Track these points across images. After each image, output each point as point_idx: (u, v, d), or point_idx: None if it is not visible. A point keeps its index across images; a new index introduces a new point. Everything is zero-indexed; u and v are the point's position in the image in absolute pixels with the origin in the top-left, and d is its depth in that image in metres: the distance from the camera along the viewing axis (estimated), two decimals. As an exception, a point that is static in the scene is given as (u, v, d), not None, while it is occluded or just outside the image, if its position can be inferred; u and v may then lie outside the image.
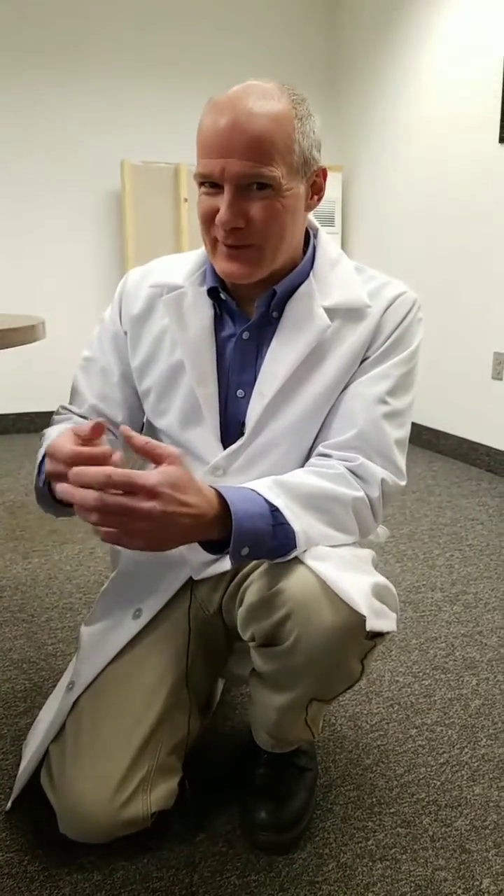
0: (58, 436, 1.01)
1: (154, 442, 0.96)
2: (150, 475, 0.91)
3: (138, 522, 0.90)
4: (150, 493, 0.90)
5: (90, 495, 0.89)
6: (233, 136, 1.05)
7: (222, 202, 1.09)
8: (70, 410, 1.36)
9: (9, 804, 1.34)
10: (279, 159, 1.08)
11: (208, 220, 1.13)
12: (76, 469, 0.91)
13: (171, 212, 4.48)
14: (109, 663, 1.27)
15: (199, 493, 0.97)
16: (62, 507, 1.14)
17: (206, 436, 1.25)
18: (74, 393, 1.37)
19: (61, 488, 0.92)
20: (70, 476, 0.91)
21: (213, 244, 1.16)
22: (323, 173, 1.19)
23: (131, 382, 1.35)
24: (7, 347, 1.49)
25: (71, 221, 4.60)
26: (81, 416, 1.35)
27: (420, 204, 4.17)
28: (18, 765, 1.39)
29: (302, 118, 1.11)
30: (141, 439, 0.95)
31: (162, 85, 4.59)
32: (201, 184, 1.12)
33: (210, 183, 1.10)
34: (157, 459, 0.96)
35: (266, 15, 4.74)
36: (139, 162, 4.39)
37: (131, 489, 0.90)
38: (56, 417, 1.36)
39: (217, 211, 1.10)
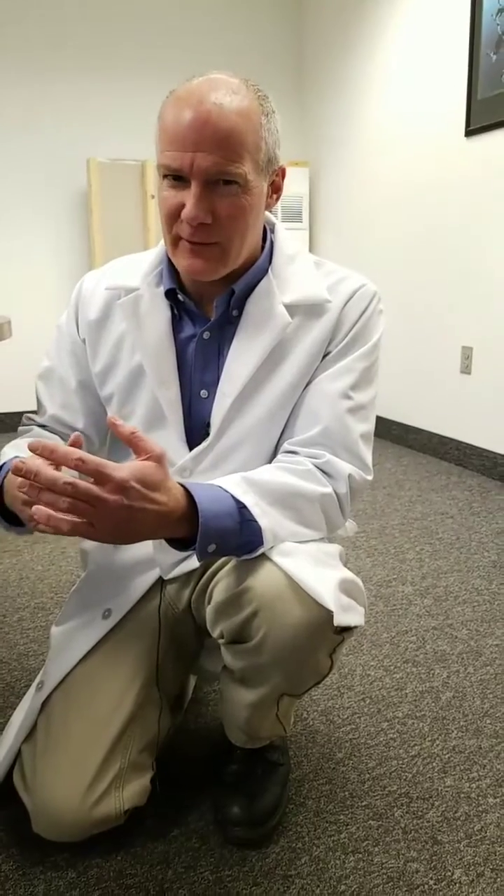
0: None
1: (141, 435, 0.96)
2: (122, 468, 0.92)
3: (104, 514, 0.90)
4: (119, 486, 0.90)
5: (61, 478, 0.89)
6: (204, 129, 1.04)
7: (188, 197, 1.08)
8: (33, 420, 1.37)
9: (-19, 805, 1.33)
10: (247, 156, 1.08)
11: (173, 215, 1.11)
12: (43, 441, 0.90)
13: (139, 209, 4.46)
14: (79, 663, 1.27)
15: (169, 492, 0.97)
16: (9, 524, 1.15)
17: (170, 438, 1.25)
18: (37, 402, 1.38)
19: (25, 465, 0.90)
20: (34, 444, 0.90)
21: (175, 240, 1.14)
22: (282, 172, 1.20)
23: (92, 389, 1.34)
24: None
25: (37, 220, 4.56)
26: (42, 426, 1.36)
27: (387, 199, 4.19)
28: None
29: (268, 115, 1.12)
30: (128, 428, 0.95)
31: (127, 82, 4.57)
32: (164, 176, 1.11)
33: (174, 176, 1.09)
34: (138, 451, 0.96)
35: (232, 12, 4.74)
36: (105, 159, 4.37)
37: (100, 479, 0.90)
38: (20, 429, 1.37)
39: (182, 206, 1.09)
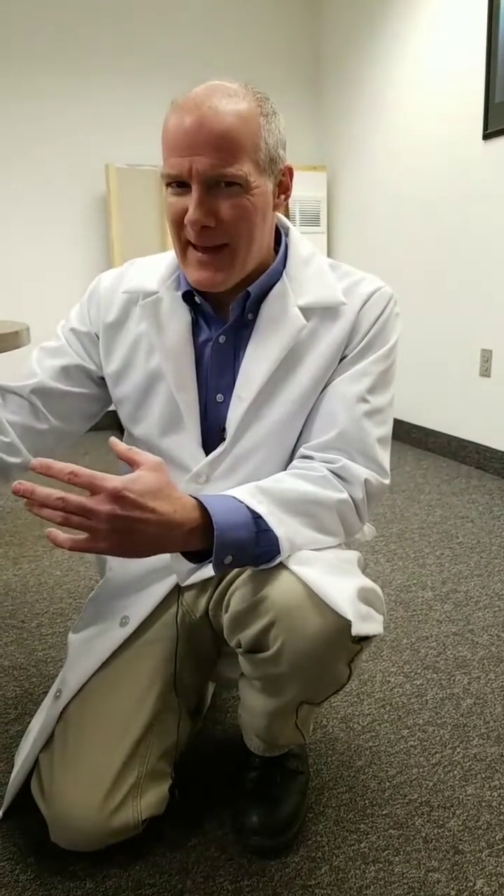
0: None
1: (136, 450, 0.97)
2: (115, 478, 0.92)
3: (99, 524, 0.90)
4: (111, 495, 0.90)
5: (54, 493, 0.89)
6: (200, 133, 1.04)
7: (191, 202, 1.07)
8: (3, 387, 1.31)
9: (0, 813, 1.33)
10: (246, 157, 1.07)
11: (178, 222, 1.11)
12: (42, 459, 0.90)
13: (157, 214, 4.47)
14: (97, 671, 1.27)
15: (175, 502, 0.97)
16: None
17: (187, 443, 1.25)
18: (28, 368, 1.34)
19: (21, 486, 0.90)
20: (35, 464, 0.90)
21: (183, 249, 1.14)
22: (289, 172, 1.18)
23: (90, 377, 1.33)
24: (-9, 354, 1.48)
25: (56, 225, 4.58)
26: (8, 393, 1.31)
27: (405, 202, 4.18)
28: (10, 773, 1.39)
29: (267, 116, 1.11)
30: (124, 446, 0.96)
31: (144, 88, 4.58)
32: (168, 184, 1.11)
33: (178, 183, 1.09)
34: (135, 465, 0.96)
35: (249, 17, 4.74)
36: (124, 165, 4.39)
37: (93, 489, 0.90)
38: None
39: (185, 211, 1.09)
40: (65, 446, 1.37)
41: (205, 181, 1.06)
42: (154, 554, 0.98)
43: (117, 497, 0.90)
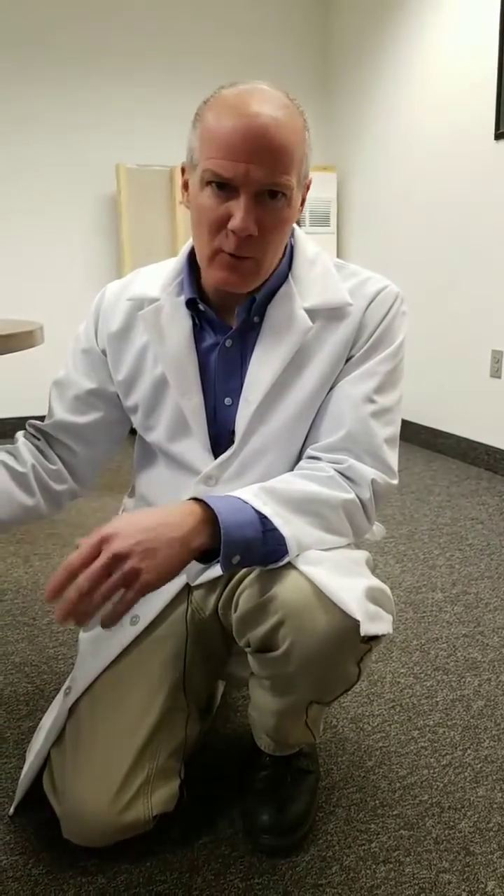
0: None
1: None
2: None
3: (122, 564, 0.94)
4: (104, 537, 0.96)
5: (78, 581, 0.94)
6: (261, 142, 1.03)
7: (236, 208, 1.06)
8: (35, 426, 1.38)
9: (12, 808, 1.34)
10: (294, 170, 1.08)
11: (218, 226, 1.09)
12: (52, 587, 0.95)
13: (167, 215, 4.48)
14: (107, 668, 1.27)
15: (168, 506, 1.01)
16: None
17: (195, 447, 1.25)
18: (48, 407, 1.39)
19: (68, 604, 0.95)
20: (51, 593, 0.96)
21: (214, 253, 1.11)
22: (308, 185, 1.19)
23: (105, 397, 1.35)
24: (6, 353, 1.49)
25: (67, 226, 4.59)
26: (36, 435, 1.37)
27: (416, 202, 4.17)
28: (22, 768, 1.39)
29: (307, 130, 1.12)
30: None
31: (155, 88, 4.59)
32: (208, 183, 1.07)
33: (219, 184, 1.06)
34: None
35: (259, 17, 4.74)
36: (134, 165, 4.39)
37: (96, 544, 0.96)
38: (18, 434, 1.38)
39: (227, 217, 1.07)
40: (101, 468, 1.43)
41: (256, 190, 1.06)
42: (182, 558, 0.99)
43: (109, 537, 0.96)
